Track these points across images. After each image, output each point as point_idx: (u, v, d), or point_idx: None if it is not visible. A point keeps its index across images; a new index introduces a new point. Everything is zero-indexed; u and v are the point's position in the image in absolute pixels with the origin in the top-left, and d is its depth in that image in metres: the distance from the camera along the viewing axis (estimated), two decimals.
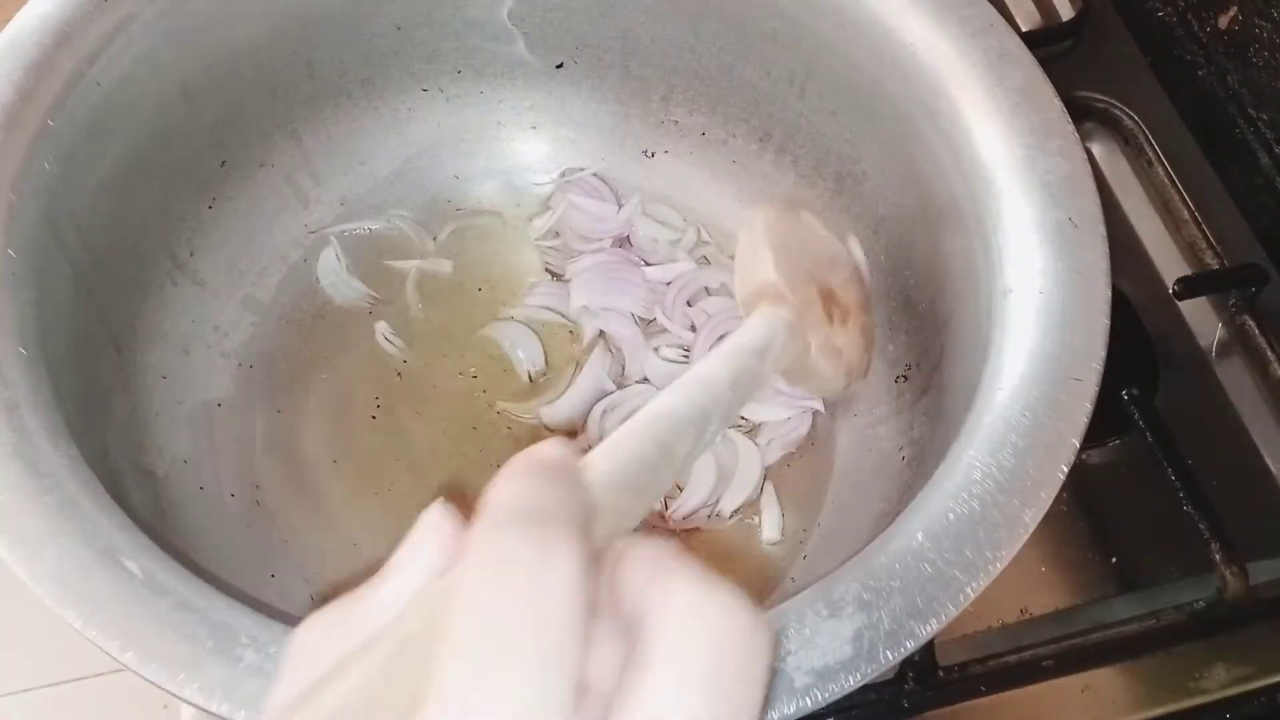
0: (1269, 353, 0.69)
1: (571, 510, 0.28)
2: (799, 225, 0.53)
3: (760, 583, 0.62)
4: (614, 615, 0.27)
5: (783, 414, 0.66)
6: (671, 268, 0.71)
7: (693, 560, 0.27)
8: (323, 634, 0.28)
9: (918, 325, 0.63)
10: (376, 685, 0.24)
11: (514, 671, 0.24)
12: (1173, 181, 0.76)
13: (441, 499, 0.29)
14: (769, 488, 0.65)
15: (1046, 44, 0.81)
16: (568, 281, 0.71)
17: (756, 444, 0.66)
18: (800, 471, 0.66)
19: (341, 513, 0.64)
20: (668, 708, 0.25)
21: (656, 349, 0.69)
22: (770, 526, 0.64)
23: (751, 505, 0.65)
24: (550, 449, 0.30)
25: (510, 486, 0.28)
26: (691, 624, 0.26)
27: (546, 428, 0.67)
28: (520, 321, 0.70)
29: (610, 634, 0.26)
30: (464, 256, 0.73)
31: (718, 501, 0.64)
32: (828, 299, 0.50)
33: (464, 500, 0.27)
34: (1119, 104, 0.79)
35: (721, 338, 0.67)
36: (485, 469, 0.65)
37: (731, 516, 0.64)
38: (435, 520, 0.29)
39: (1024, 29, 0.84)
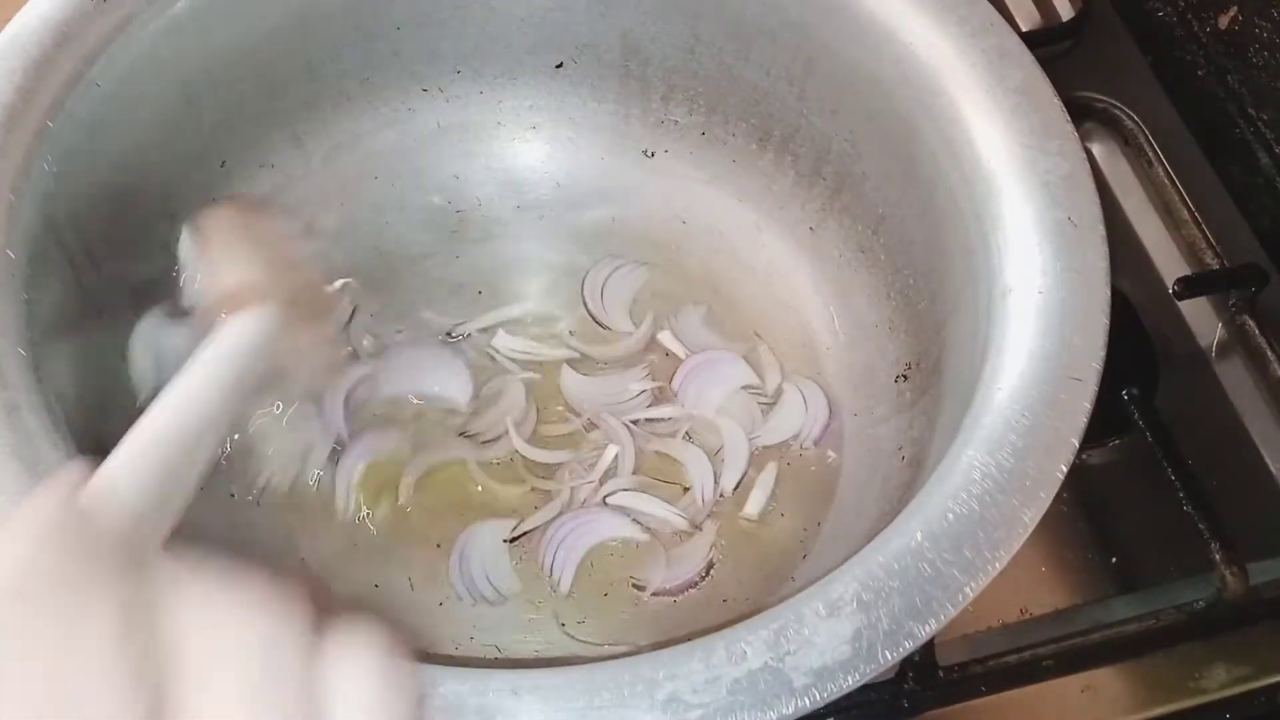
0: (1269, 353, 0.69)
1: (91, 567, 0.27)
2: (263, 221, 0.51)
3: (763, 582, 0.62)
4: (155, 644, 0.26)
5: (794, 428, 0.67)
6: None
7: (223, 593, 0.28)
8: None
9: (918, 325, 0.63)
10: None
11: None
12: (1173, 181, 0.76)
13: None
14: (771, 469, 0.65)
15: (1046, 44, 0.81)
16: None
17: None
18: (799, 471, 0.66)
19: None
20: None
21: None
22: (752, 503, 0.64)
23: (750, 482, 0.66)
24: (49, 501, 0.29)
25: (15, 559, 0.27)
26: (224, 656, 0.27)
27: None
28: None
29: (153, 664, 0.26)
30: (462, 258, 0.73)
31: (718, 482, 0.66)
32: (301, 301, 0.48)
33: None
34: (1119, 104, 0.79)
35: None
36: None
37: (734, 491, 0.65)
38: None
39: (1024, 29, 0.84)
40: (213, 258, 0.48)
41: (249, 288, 0.46)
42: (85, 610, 0.25)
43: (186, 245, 0.51)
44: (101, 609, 0.25)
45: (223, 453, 0.61)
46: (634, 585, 0.62)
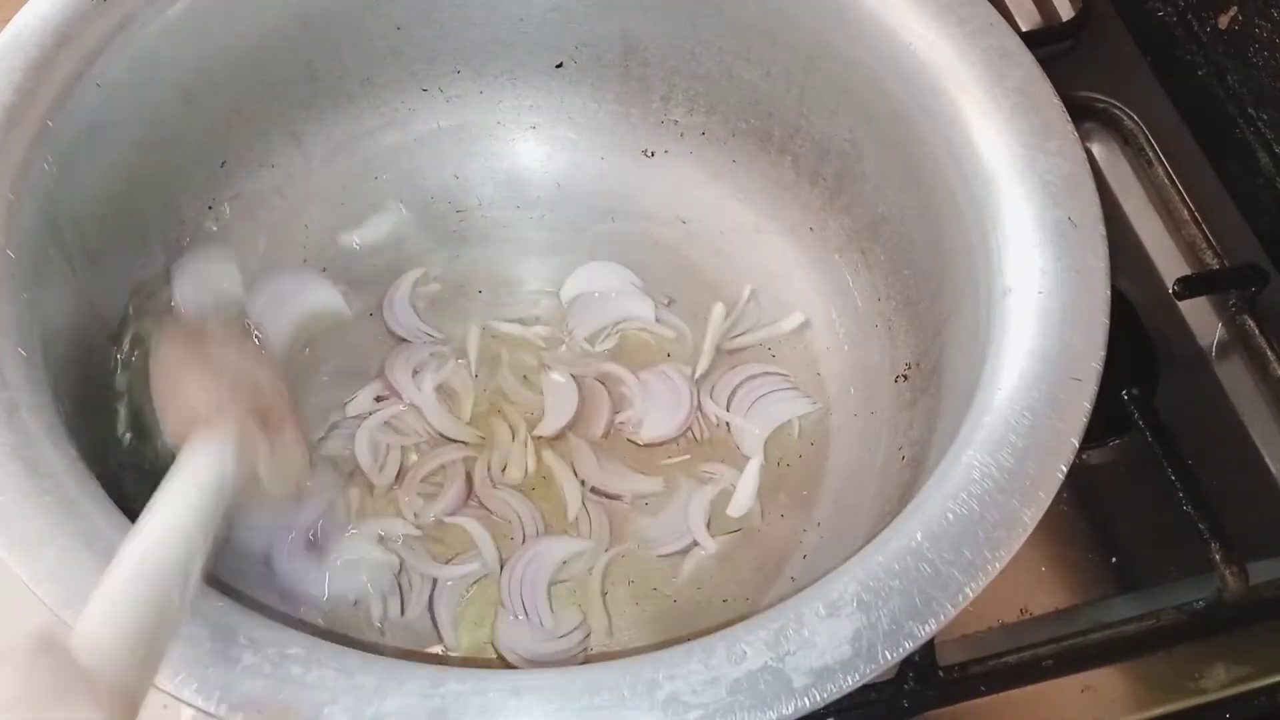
0: (1269, 353, 0.69)
1: (74, 704, 0.28)
2: (209, 343, 0.52)
3: (762, 582, 0.62)
4: None
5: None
6: None
7: None
8: None
9: (918, 325, 0.63)
10: None
11: None
12: (1173, 181, 0.76)
13: None
14: (753, 467, 0.65)
15: (1046, 44, 0.81)
16: None
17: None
18: (800, 471, 0.66)
19: None
20: None
21: None
22: (737, 505, 0.65)
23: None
24: (39, 636, 0.30)
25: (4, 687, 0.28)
26: None
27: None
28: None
29: None
30: (462, 258, 0.73)
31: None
32: (259, 412, 0.49)
33: None
34: (1119, 104, 0.80)
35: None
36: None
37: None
38: None
39: (1024, 29, 0.84)
40: (163, 389, 0.49)
41: (204, 411, 0.47)
42: None
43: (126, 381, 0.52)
44: None
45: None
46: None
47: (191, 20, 0.60)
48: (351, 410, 0.67)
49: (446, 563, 0.63)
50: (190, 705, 0.39)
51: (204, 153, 0.66)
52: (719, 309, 0.71)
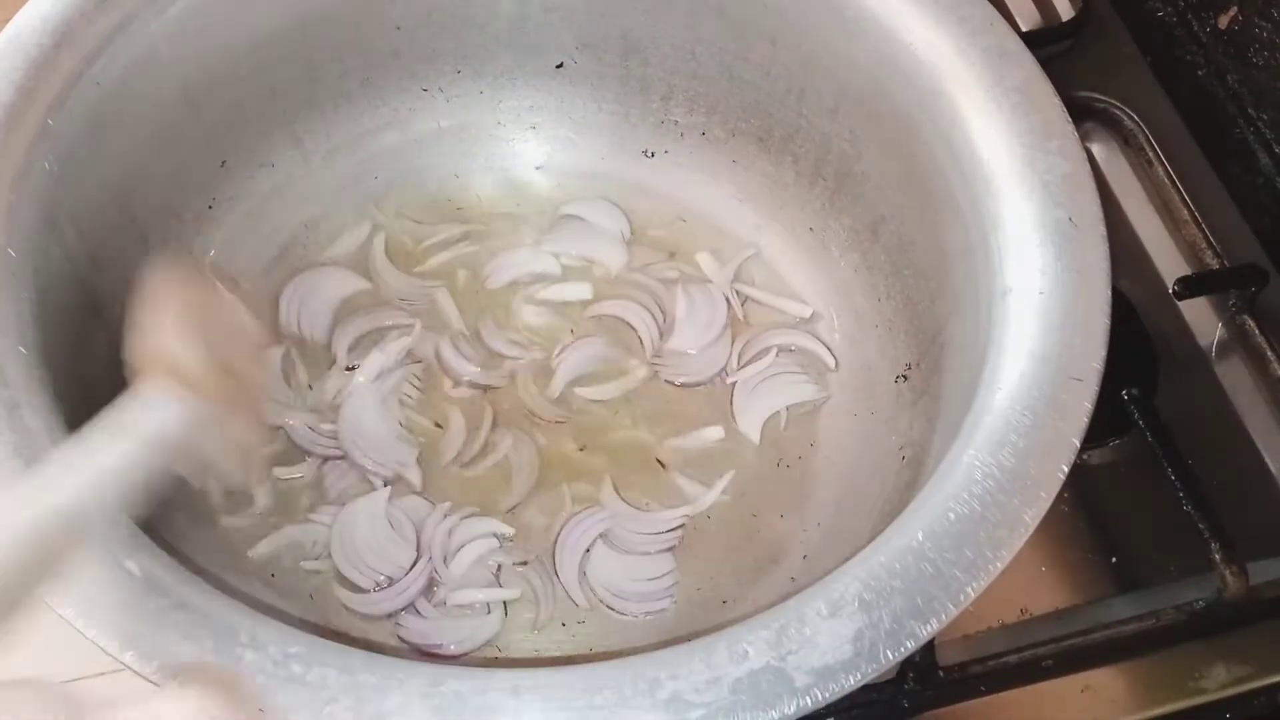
0: (1269, 352, 0.69)
1: None
2: (208, 299, 0.49)
3: (763, 582, 0.62)
4: None
5: None
6: None
7: None
8: None
9: (918, 325, 0.63)
10: None
11: None
12: (1173, 181, 0.76)
13: None
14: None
15: (1046, 44, 0.81)
16: None
17: None
18: (800, 471, 0.66)
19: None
20: None
21: None
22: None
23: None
24: None
25: None
26: None
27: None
28: None
29: None
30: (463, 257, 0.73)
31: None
32: (227, 384, 0.46)
33: None
34: (1119, 104, 0.79)
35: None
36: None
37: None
38: None
39: (1024, 29, 0.84)
40: (149, 321, 0.45)
41: (175, 358, 0.44)
42: None
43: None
44: None
45: None
46: None
47: (192, 20, 0.60)
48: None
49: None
50: None
51: (204, 153, 0.66)
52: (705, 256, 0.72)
